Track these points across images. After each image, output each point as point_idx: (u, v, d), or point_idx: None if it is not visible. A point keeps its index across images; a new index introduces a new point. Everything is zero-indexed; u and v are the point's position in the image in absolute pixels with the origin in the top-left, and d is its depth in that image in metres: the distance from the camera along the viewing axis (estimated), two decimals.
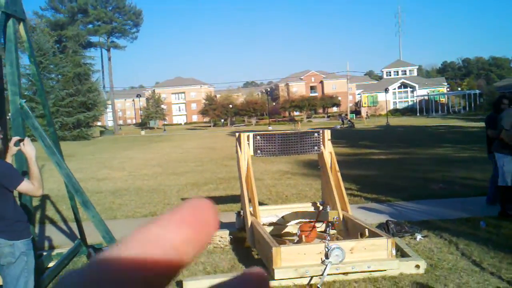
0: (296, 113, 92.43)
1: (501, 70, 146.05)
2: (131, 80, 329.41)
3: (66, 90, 50.13)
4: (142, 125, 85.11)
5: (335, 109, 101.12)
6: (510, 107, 7.92)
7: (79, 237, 6.63)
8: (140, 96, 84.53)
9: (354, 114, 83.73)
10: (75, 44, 54.53)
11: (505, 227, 7.10)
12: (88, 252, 6.32)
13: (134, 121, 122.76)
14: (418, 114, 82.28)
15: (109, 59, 72.76)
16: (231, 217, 7.72)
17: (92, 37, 69.04)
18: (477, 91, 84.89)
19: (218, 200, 10.48)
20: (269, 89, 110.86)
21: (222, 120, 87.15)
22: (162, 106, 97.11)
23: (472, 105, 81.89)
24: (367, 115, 66.84)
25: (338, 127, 52.33)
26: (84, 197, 4.98)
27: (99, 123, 73.90)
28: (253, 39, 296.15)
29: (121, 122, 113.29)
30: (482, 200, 9.42)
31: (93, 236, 6.29)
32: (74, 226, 6.64)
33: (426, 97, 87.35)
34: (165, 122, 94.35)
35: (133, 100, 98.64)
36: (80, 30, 60.20)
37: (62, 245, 7.02)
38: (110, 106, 71.98)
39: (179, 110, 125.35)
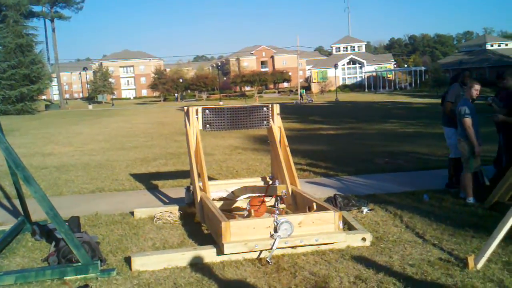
0: (247, 88, 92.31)
1: (445, 47, 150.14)
2: (77, 53, 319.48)
3: (7, 61, 47.95)
4: (90, 99, 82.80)
5: (285, 84, 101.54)
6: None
7: (22, 214, 6.43)
8: (87, 69, 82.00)
9: (304, 90, 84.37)
10: (16, 14, 52.00)
11: (446, 200, 7.36)
12: (32, 229, 6.13)
13: (81, 95, 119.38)
14: (366, 90, 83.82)
15: (53, 30, 70.10)
16: (181, 192, 7.67)
17: (34, 6, 66.00)
18: (423, 68, 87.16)
19: (168, 175, 10.38)
20: (220, 64, 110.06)
21: (176, 95, 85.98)
22: (110, 79, 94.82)
23: (418, 81, 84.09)
24: (322, 90, 67.54)
25: (298, 102, 55.05)
26: (25, 172, 4.80)
27: (44, 97, 71.36)
28: (203, 12, 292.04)
29: (67, 96, 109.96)
30: (425, 174, 9.75)
31: (38, 213, 6.10)
32: (17, 202, 6.42)
33: (374, 73, 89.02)
34: (114, 97, 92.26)
35: (80, 74, 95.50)
36: None
37: (5, 222, 6.78)
38: (55, 79, 69.50)
39: (128, 84, 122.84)
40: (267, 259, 4.94)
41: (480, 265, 4.61)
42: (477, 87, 7.25)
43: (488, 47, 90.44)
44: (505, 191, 6.56)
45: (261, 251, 5.10)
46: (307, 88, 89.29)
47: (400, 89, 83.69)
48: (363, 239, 5.46)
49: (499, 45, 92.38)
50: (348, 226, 5.93)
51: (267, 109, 7.16)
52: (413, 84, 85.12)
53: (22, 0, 55.50)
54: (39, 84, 51.97)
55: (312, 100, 57.64)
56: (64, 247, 4.92)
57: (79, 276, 4.71)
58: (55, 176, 10.72)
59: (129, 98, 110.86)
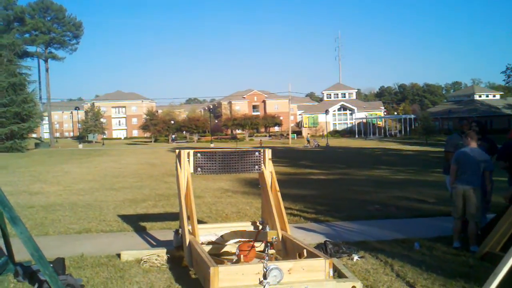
0: (238, 131, 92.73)
1: (434, 96, 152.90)
2: (70, 92, 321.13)
3: None
4: (80, 138, 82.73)
5: (276, 128, 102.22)
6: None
7: (6, 254, 6.27)
8: (79, 109, 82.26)
9: (295, 134, 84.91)
10: (10, 53, 52.34)
11: (437, 249, 7.31)
12: (15, 270, 5.97)
13: (71, 134, 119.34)
14: (356, 136, 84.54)
15: (47, 70, 70.47)
16: (169, 235, 7.56)
17: (29, 47, 66.60)
18: (412, 116, 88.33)
19: (157, 217, 10.25)
20: (211, 107, 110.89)
21: (173, 136, 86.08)
22: (102, 119, 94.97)
23: (408, 129, 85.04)
24: (308, 138, 68.48)
25: (308, 146, 58.06)
26: (12, 212, 4.71)
27: (34, 135, 71.09)
28: (196, 56, 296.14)
29: (58, 134, 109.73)
30: (416, 221, 9.71)
31: (22, 253, 5.96)
32: (1, 242, 6.28)
33: (364, 120, 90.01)
34: (104, 136, 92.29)
35: (71, 113, 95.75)
36: (16, 38, 57.91)
37: None
38: (46, 118, 69.48)
39: (119, 124, 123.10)
40: None
41: None
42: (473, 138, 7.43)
43: (476, 97, 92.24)
44: (496, 241, 6.53)
45: None
46: (298, 133, 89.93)
47: (390, 136, 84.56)
48: (353, 287, 5.37)
49: (486, 96, 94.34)
50: (338, 274, 5.84)
51: (259, 153, 7.16)
52: (402, 132, 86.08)
53: (17, 40, 56.09)
54: (30, 123, 51.86)
55: (318, 144, 58.98)
56: None
57: None
58: (42, 216, 10.55)
59: (120, 138, 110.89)
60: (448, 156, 8.31)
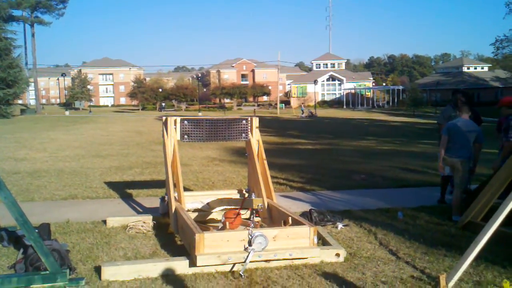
0: (226, 101, 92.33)
1: (423, 68, 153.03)
2: (57, 58, 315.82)
3: None
4: (67, 105, 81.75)
5: (265, 98, 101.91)
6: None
7: None
8: (65, 75, 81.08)
9: (283, 104, 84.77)
10: None
11: (420, 218, 7.41)
12: (0, 235, 5.97)
13: (58, 101, 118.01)
14: (344, 107, 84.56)
15: (33, 35, 69.00)
16: (155, 202, 7.58)
17: (14, 10, 65.00)
18: (401, 87, 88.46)
19: (143, 184, 10.26)
20: (200, 75, 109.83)
21: (163, 104, 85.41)
22: (89, 86, 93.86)
23: (396, 100, 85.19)
24: (302, 108, 67.75)
25: (303, 115, 57.18)
26: None
27: (20, 101, 70.23)
28: (185, 23, 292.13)
29: (44, 101, 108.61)
30: (400, 191, 9.83)
31: (7, 219, 5.94)
32: None
33: (352, 91, 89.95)
34: (91, 104, 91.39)
35: (58, 79, 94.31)
36: (1, 2, 56.60)
37: None
38: (32, 84, 68.44)
39: (107, 92, 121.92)
40: (240, 273, 4.88)
41: (451, 284, 4.63)
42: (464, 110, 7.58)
43: (465, 69, 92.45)
44: (478, 211, 6.64)
45: (234, 264, 5.05)
46: (287, 102, 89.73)
47: (378, 107, 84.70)
48: (337, 254, 5.45)
49: (475, 68, 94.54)
50: (322, 241, 5.91)
51: (246, 122, 7.14)
52: (390, 103, 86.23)
53: (2, 4, 54.81)
54: (16, 88, 51.12)
55: (312, 113, 58.74)
56: (32, 255, 4.80)
57: (46, 285, 4.58)
58: (27, 182, 10.51)
59: (107, 106, 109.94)
60: (440, 128, 8.41)
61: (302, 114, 60.63)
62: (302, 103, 75.66)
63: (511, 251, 5.69)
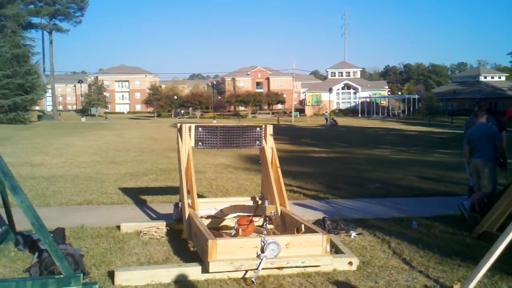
0: (241, 108, 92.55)
1: (439, 77, 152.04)
2: (74, 65, 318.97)
3: (2, 71, 47.74)
4: (83, 112, 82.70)
5: (280, 106, 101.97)
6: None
7: (7, 223, 6.34)
8: (82, 82, 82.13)
9: (298, 112, 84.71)
10: (15, 24, 51.90)
11: (435, 228, 7.35)
12: (15, 239, 6.04)
13: (75, 107, 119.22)
14: (359, 115, 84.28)
15: (51, 42, 69.99)
16: (169, 209, 7.61)
17: (33, 18, 65.97)
18: (416, 96, 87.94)
19: (157, 191, 10.32)
20: (215, 83, 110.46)
21: (182, 111, 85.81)
22: (105, 93, 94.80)
23: (411, 109, 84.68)
24: (326, 116, 66.54)
25: (329, 124, 56.39)
26: (13, 181, 4.74)
27: (37, 108, 71.01)
28: (201, 32, 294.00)
29: (61, 107, 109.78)
30: (415, 200, 9.75)
31: (23, 223, 6.02)
32: (2, 211, 6.33)
33: (368, 99, 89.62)
34: (107, 110, 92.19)
35: (75, 86, 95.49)
36: (20, 9, 57.29)
37: None
38: (50, 90, 69.31)
39: (123, 99, 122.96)
40: (252, 279, 4.88)
41: None
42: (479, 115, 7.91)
43: (482, 78, 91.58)
44: (494, 220, 6.57)
45: (246, 271, 5.05)
46: (301, 111, 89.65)
47: (393, 116, 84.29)
48: (350, 263, 5.42)
49: (492, 77, 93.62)
50: (335, 250, 5.89)
51: (260, 129, 7.17)
52: (406, 112, 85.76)
53: (21, 12, 55.60)
54: (33, 95, 51.77)
55: (336, 123, 57.28)
56: (47, 259, 4.85)
57: None
58: (43, 187, 10.63)
59: (123, 113, 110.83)
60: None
61: (327, 122, 59.95)
62: (326, 111, 75.24)
63: None
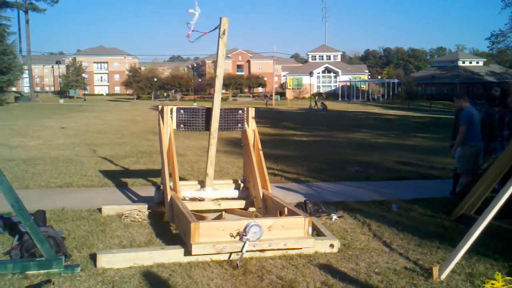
0: (222, 91, 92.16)
1: (418, 61, 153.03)
2: (51, 46, 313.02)
3: None
4: (61, 93, 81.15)
5: (260, 89, 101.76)
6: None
7: None
8: (60, 63, 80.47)
9: (278, 96, 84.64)
10: None
11: (414, 210, 7.46)
12: None
13: (52, 89, 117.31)
14: (340, 99, 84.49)
15: (27, 21, 68.39)
16: (151, 191, 7.59)
17: None
18: (396, 80, 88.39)
19: (138, 173, 10.27)
20: (195, 65, 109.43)
21: (165, 94, 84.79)
22: (83, 75, 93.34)
23: (391, 93, 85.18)
24: (316, 99, 66.07)
25: (321, 109, 55.01)
26: None
27: (14, 89, 69.75)
28: (181, 13, 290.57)
29: (38, 89, 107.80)
30: (394, 184, 9.87)
31: (2, 205, 5.94)
32: None
33: (348, 83, 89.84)
34: (86, 92, 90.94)
35: (52, 67, 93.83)
36: None
37: None
38: (26, 71, 67.94)
39: (101, 80, 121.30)
40: (238, 263, 4.90)
41: (444, 275, 4.68)
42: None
43: (460, 63, 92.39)
44: (472, 203, 6.69)
45: (230, 254, 5.08)
46: (282, 94, 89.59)
47: (373, 100, 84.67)
48: (331, 245, 5.49)
49: (470, 62, 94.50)
50: (317, 232, 5.95)
51: (243, 112, 7.16)
52: (385, 96, 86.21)
53: None
54: (10, 75, 50.70)
55: (326, 107, 56.80)
56: (28, 241, 4.81)
57: (42, 271, 4.60)
58: (22, 169, 10.49)
59: (102, 95, 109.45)
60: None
61: (315, 106, 59.61)
62: (315, 95, 75.00)
63: (503, 244, 5.75)
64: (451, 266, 4.75)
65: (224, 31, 6.15)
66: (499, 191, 5.11)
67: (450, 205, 7.42)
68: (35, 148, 14.24)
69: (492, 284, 4.50)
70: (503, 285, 4.50)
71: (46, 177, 9.72)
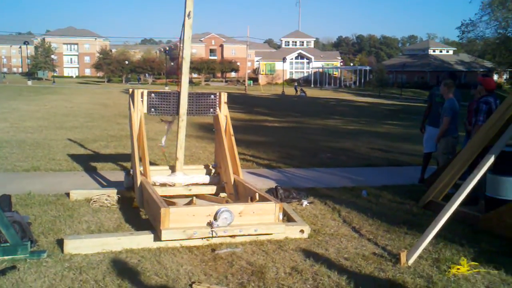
0: (194, 76, 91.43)
1: (390, 49, 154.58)
2: (19, 26, 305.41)
3: None
4: (30, 75, 79.43)
5: (233, 74, 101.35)
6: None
7: None
8: (28, 44, 78.58)
9: (251, 81, 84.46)
10: None
11: (383, 197, 7.56)
12: None
13: (20, 70, 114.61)
14: (312, 86, 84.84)
15: None
16: (120, 176, 7.50)
17: None
18: (368, 68, 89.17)
19: (108, 158, 10.12)
20: (167, 48, 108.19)
21: (139, 78, 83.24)
22: (52, 56, 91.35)
23: (362, 80, 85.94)
24: (296, 86, 65.91)
25: (304, 95, 54.85)
26: None
27: None
28: None
29: (5, 70, 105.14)
30: (365, 170, 9.97)
31: None
32: None
33: (320, 70, 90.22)
34: (55, 74, 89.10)
35: (20, 47, 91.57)
36: None
37: None
38: None
39: (71, 62, 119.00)
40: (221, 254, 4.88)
41: (411, 261, 4.76)
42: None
43: (431, 52, 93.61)
44: (439, 191, 6.80)
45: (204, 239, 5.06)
46: (255, 79, 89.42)
47: (345, 86, 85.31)
48: (301, 231, 5.51)
49: (440, 51, 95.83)
50: (287, 218, 5.97)
51: (215, 96, 7.10)
52: (357, 83, 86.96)
53: None
54: None
55: (304, 92, 57.08)
56: None
57: (6, 257, 4.50)
58: None
59: (72, 77, 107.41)
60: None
61: (296, 93, 59.63)
62: (295, 81, 75.00)
63: (469, 230, 5.87)
64: (418, 251, 4.82)
65: (189, 13, 6.11)
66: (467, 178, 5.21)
67: (419, 192, 7.53)
68: (2, 131, 13.90)
69: (458, 269, 4.60)
70: (468, 270, 4.60)
71: (13, 160, 9.49)
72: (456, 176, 6.69)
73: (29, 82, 61.93)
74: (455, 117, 7.73)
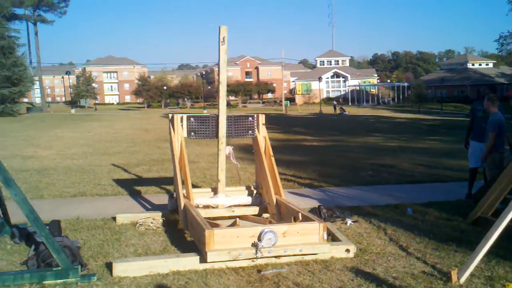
0: (231, 98, 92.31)
1: (427, 64, 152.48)
2: (61, 57, 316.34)
3: None
4: (72, 103, 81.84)
5: (270, 95, 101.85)
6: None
7: (1, 216, 6.29)
8: (70, 74, 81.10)
9: (288, 101, 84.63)
10: None
11: (429, 214, 7.39)
12: (11, 232, 6.00)
13: (63, 99, 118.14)
14: (350, 104, 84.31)
15: (36, 33, 68.90)
16: (164, 199, 7.60)
17: (17, 9, 64.95)
18: (405, 84, 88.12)
19: (151, 181, 10.28)
20: (204, 73, 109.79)
21: (178, 103, 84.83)
22: (93, 84, 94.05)
23: (401, 96, 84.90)
24: (335, 105, 66.32)
25: (346, 113, 55.12)
26: (5, 174, 4.69)
27: (25, 100, 70.31)
28: (188, 21, 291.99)
29: (49, 99, 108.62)
30: (408, 187, 9.80)
31: (18, 216, 5.97)
32: None
33: (357, 87, 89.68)
34: (97, 102, 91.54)
35: (62, 77, 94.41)
36: (3, 0, 56.56)
37: None
38: (37, 82, 68.52)
39: (111, 90, 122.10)
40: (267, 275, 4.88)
41: (463, 279, 4.62)
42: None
43: (469, 66, 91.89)
44: (488, 206, 6.61)
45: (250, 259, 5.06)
46: (291, 100, 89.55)
47: (383, 103, 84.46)
48: (347, 250, 5.44)
49: (479, 64, 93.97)
50: (332, 237, 5.91)
51: (253, 118, 7.16)
52: (396, 99, 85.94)
53: (5, 2, 54.73)
54: (21, 87, 51.16)
55: (344, 110, 57.60)
56: (44, 251, 4.82)
57: (58, 281, 4.61)
58: (36, 179, 10.55)
59: (112, 104, 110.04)
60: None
61: (335, 111, 59.93)
62: (334, 100, 75.16)
63: None
64: (470, 269, 4.69)
65: (223, 38, 6.28)
66: None
67: (466, 208, 7.34)
68: (48, 158, 14.33)
69: None
70: None
71: (60, 186, 9.76)
72: (505, 191, 6.50)
73: (73, 110, 63.76)
74: (501, 131, 7.52)
